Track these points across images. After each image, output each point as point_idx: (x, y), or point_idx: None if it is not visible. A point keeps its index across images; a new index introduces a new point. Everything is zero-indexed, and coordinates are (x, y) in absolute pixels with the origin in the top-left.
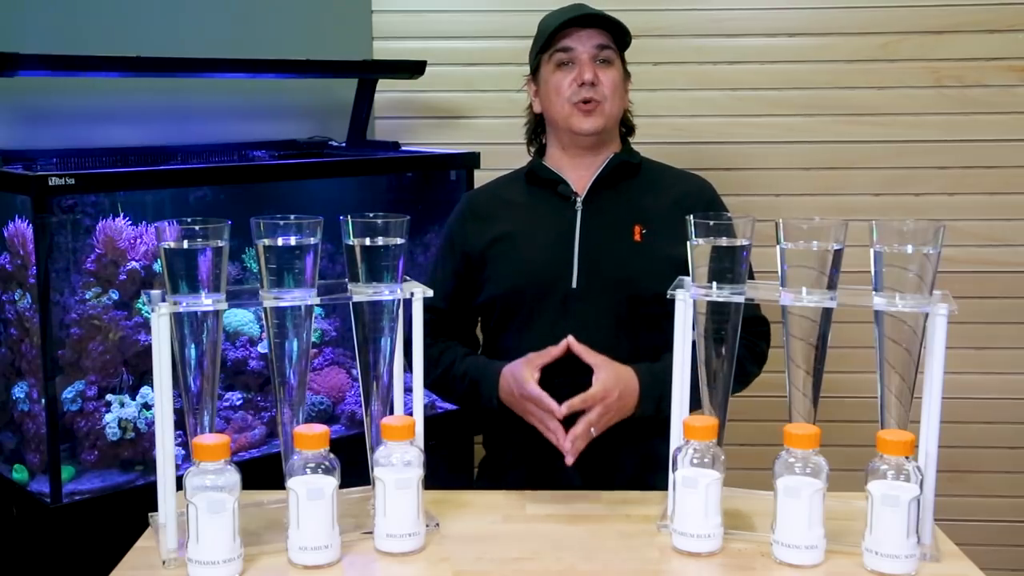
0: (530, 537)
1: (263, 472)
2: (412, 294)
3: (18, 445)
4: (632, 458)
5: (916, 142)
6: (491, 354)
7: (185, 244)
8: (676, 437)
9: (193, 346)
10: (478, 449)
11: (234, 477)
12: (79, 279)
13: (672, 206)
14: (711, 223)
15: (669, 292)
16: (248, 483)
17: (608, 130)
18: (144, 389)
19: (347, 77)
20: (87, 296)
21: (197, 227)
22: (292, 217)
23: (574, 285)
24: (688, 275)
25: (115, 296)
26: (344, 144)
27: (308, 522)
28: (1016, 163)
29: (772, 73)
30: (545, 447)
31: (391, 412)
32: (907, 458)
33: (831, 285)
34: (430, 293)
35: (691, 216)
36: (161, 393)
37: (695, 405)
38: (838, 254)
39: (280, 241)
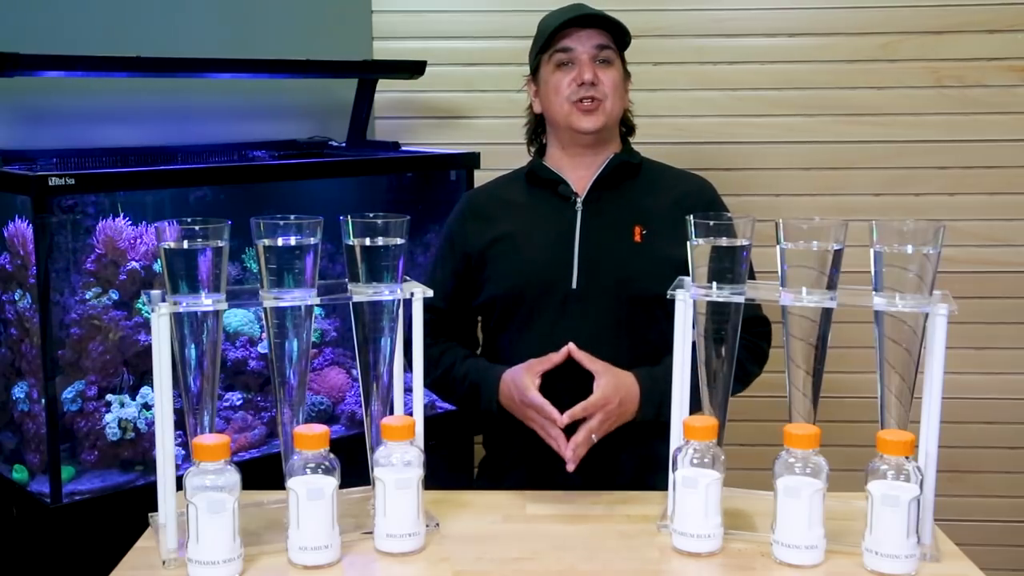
0: (530, 537)
1: (263, 472)
2: (412, 294)
3: (18, 445)
4: (632, 459)
5: (916, 142)
6: (491, 354)
7: (185, 244)
8: (676, 437)
9: (193, 346)
10: (478, 449)
11: (234, 477)
12: (79, 279)
13: (672, 206)
14: (711, 223)
15: (669, 292)
16: (248, 483)
17: (608, 129)
18: (144, 389)
19: (347, 77)
20: (87, 296)
21: (197, 227)
22: (292, 217)
23: (574, 285)
24: (688, 275)
25: (115, 296)
26: (344, 144)
27: (308, 522)
28: (1016, 163)
29: (772, 73)
30: (545, 447)
31: (391, 412)
32: (907, 458)
33: (831, 285)
34: (430, 293)
35: (691, 216)
36: (161, 393)
37: (695, 408)
38: (838, 254)
39: (280, 241)
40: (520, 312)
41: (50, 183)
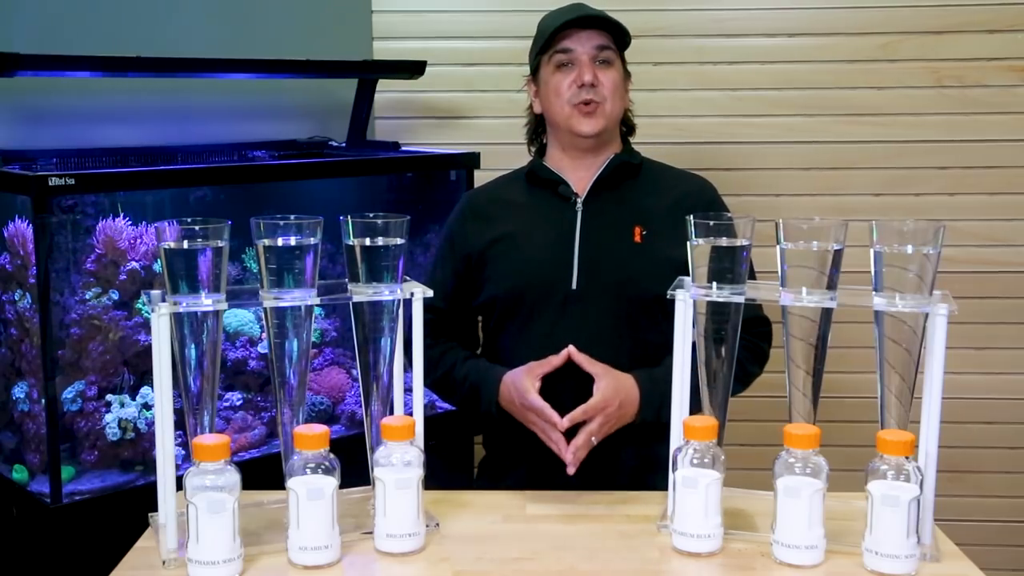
0: (530, 537)
1: (263, 472)
2: (412, 294)
3: (18, 445)
4: (632, 459)
5: (916, 142)
6: (491, 354)
7: (185, 244)
8: (676, 437)
9: (193, 346)
10: (478, 449)
11: (234, 477)
12: (79, 279)
13: (672, 207)
14: (711, 223)
15: (669, 292)
16: (248, 483)
17: (608, 131)
18: (144, 389)
19: (347, 77)
20: (87, 296)
21: (197, 227)
22: (292, 217)
23: (574, 286)
24: (688, 276)
25: (115, 296)
26: (344, 144)
27: (308, 522)
28: (1016, 163)
29: (772, 73)
30: (545, 448)
31: (391, 412)
32: (907, 458)
33: (831, 285)
34: (430, 293)
35: (691, 216)
36: (161, 393)
37: (695, 408)
38: (838, 254)
39: (280, 241)
40: (520, 312)
41: (50, 183)
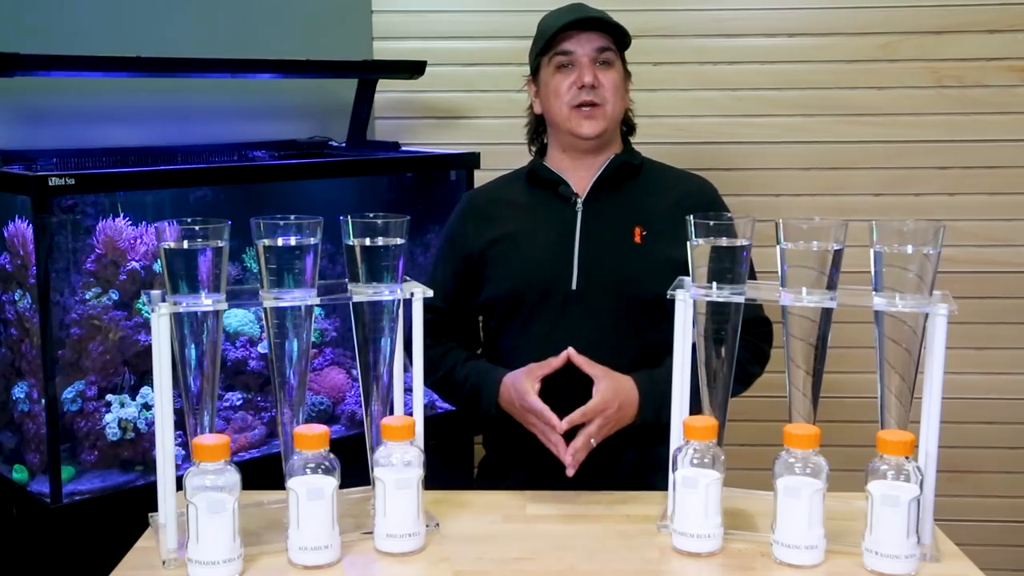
0: (530, 537)
1: (263, 472)
2: (412, 294)
3: (18, 445)
4: (632, 460)
5: (916, 142)
6: (491, 354)
7: (185, 244)
8: (676, 437)
9: (193, 346)
10: (478, 449)
11: (234, 477)
12: (79, 279)
13: (673, 207)
14: (711, 223)
15: (669, 292)
16: (248, 483)
17: (609, 132)
18: (144, 389)
19: (347, 77)
20: (87, 296)
21: (197, 227)
22: (292, 217)
23: (574, 286)
24: (688, 276)
25: (115, 296)
26: (344, 144)
27: (308, 522)
28: (1016, 163)
29: (772, 73)
30: (545, 448)
31: (391, 412)
32: (907, 458)
33: (831, 285)
34: (430, 293)
35: (691, 216)
36: (161, 393)
37: (695, 408)
38: (838, 254)
39: (280, 241)
40: (520, 312)
41: (50, 183)
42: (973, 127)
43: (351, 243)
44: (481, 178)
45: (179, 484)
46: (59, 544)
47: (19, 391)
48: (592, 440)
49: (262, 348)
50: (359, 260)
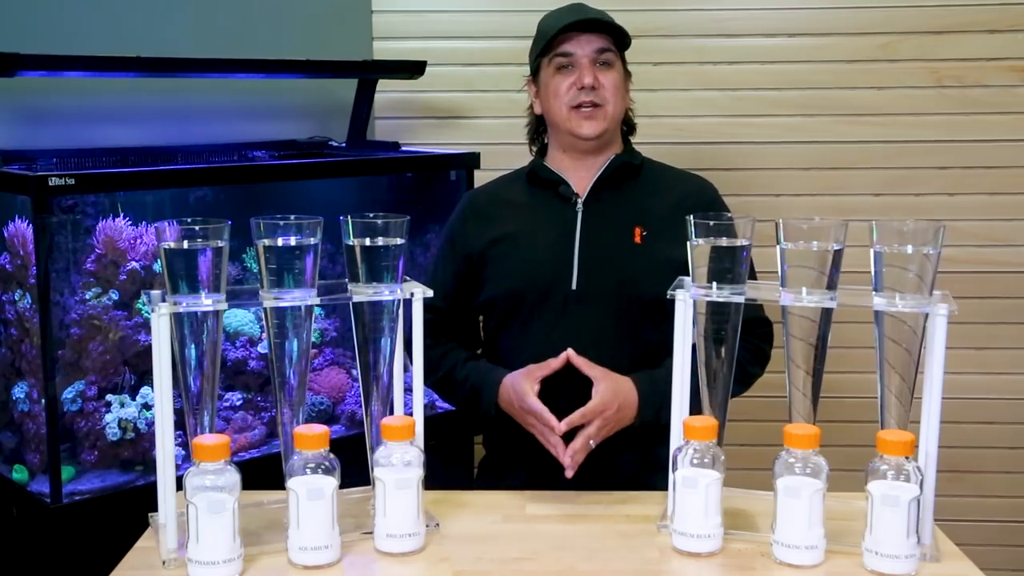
0: (530, 537)
1: (263, 472)
2: (412, 294)
3: (18, 445)
4: (632, 459)
5: (916, 142)
6: (491, 354)
7: (185, 244)
8: (676, 437)
9: (193, 346)
10: (478, 449)
11: (234, 477)
12: (79, 279)
13: (673, 207)
14: (711, 223)
15: (669, 292)
16: (248, 483)
17: (609, 132)
18: (144, 389)
19: (347, 77)
20: (87, 296)
21: (197, 227)
22: (292, 217)
23: (574, 286)
24: (688, 276)
25: (115, 296)
26: (344, 144)
27: (308, 522)
28: (1016, 163)
29: (772, 73)
30: (545, 448)
31: (391, 412)
32: (907, 458)
33: (831, 285)
34: (430, 293)
35: (691, 216)
36: (161, 393)
37: (695, 409)
38: (838, 254)
39: (280, 241)
40: (520, 312)
41: (50, 183)
42: (973, 127)
43: (351, 243)
44: (481, 178)
45: (179, 484)
46: (59, 544)
47: (19, 391)
48: (591, 441)
49: (262, 348)
50: (359, 260)
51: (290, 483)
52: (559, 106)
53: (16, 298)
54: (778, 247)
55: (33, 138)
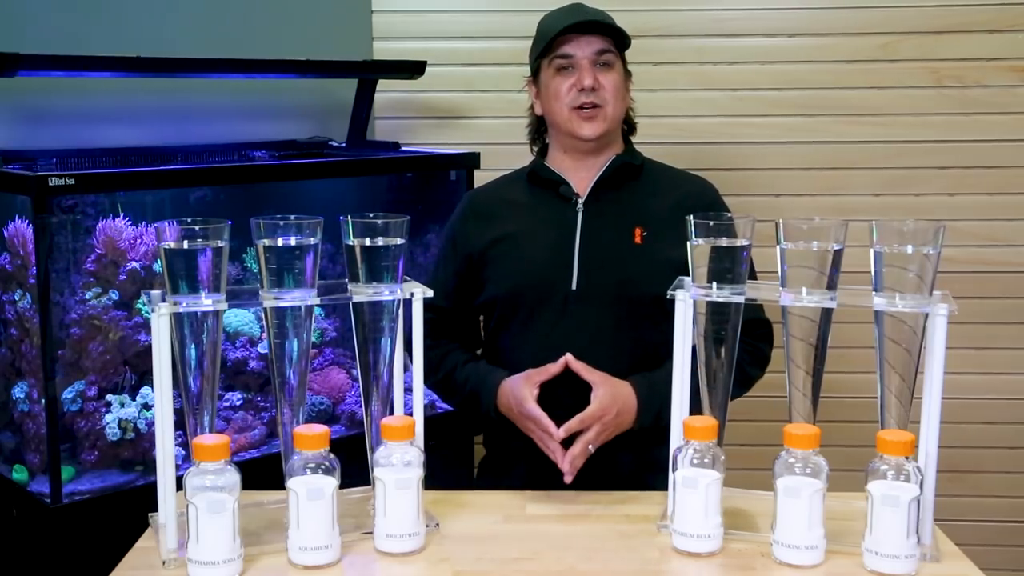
0: (530, 537)
1: (263, 472)
2: (412, 294)
3: (18, 445)
4: (632, 460)
5: (916, 142)
6: (491, 354)
7: (185, 244)
8: (676, 437)
9: (193, 346)
10: (478, 449)
11: (234, 477)
12: (79, 279)
13: (674, 208)
14: (711, 223)
15: (669, 292)
16: (248, 483)
17: (610, 133)
18: (144, 389)
19: (347, 77)
20: (87, 296)
21: (197, 227)
22: (292, 217)
23: (574, 286)
24: (688, 276)
25: (115, 296)
26: (344, 144)
27: (308, 522)
28: (1016, 163)
29: (772, 73)
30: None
31: (391, 412)
32: (907, 458)
33: (831, 285)
34: (430, 293)
35: (691, 216)
36: (161, 393)
37: (695, 409)
38: (838, 254)
39: (280, 241)
40: (520, 312)
41: (50, 183)
42: (973, 127)
43: (351, 243)
44: (481, 178)
45: (179, 484)
46: (59, 544)
47: (19, 391)
48: (590, 447)
49: (262, 348)
50: (359, 260)
51: (290, 483)
52: (559, 108)
53: (16, 298)
54: (778, 247)
55: (33, 138)
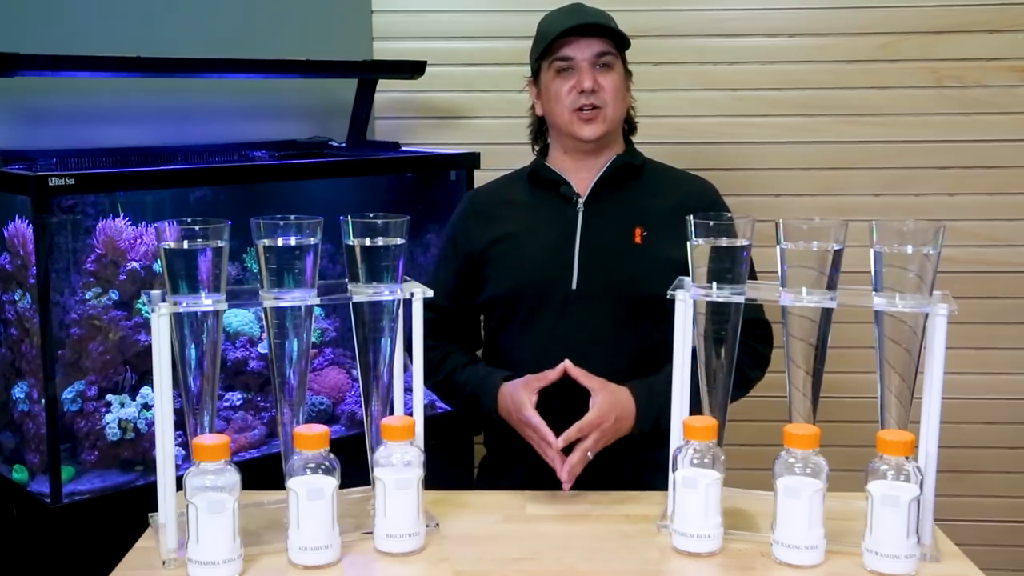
0: (530, 537)
1: (263, 472)
2: (412, 294)
3: (18, 445)
4: (632, 461)
5: (916, 142)
6: (491, 353)
7: (185, 244)
8: (676, 437)
9: (193, 346)
10: (478, 449)
11: (234, 477)
12: (79, 279)
13: (674, 208)
14: (711, 223)
15: (669, 292)
16: (248, 483)
17: (610, 134)
18: (144, 389)
19: (347, 77)
20: (87, 296)
21: (197, 227)
22: (292, 217)
23: (574, 286)
24: (688, 277)
25: (115, 296)
26: (344, 144)
27: (308, 522)
28: (1016, 163)
29: (772, 73)
30: None
31: (391, 412)
32: (907, 458)
33: (831, 285)
34: (430, 293)
35: (691, 216)
36: (161, 393)
37: (695, 410)
38: (838, 254)
39: (280, 241)
40: (520, 312)
41: (50, 183)
42: (973, 127)
43: (351, 243)
44: (481, 178)
45: (179, 484)
46: (59, 544)
47: (19, 391)
48: (589, 453)
49: (262, 348)
50: (359, 260)
51: (290, 483)
52: (560, 109)
53: (16, 298)
54: (778, 247)
55: (33, 138)
